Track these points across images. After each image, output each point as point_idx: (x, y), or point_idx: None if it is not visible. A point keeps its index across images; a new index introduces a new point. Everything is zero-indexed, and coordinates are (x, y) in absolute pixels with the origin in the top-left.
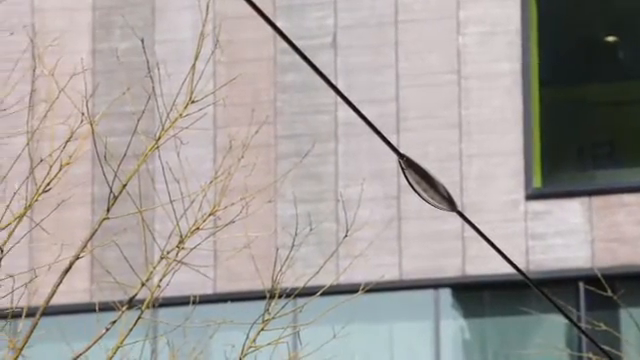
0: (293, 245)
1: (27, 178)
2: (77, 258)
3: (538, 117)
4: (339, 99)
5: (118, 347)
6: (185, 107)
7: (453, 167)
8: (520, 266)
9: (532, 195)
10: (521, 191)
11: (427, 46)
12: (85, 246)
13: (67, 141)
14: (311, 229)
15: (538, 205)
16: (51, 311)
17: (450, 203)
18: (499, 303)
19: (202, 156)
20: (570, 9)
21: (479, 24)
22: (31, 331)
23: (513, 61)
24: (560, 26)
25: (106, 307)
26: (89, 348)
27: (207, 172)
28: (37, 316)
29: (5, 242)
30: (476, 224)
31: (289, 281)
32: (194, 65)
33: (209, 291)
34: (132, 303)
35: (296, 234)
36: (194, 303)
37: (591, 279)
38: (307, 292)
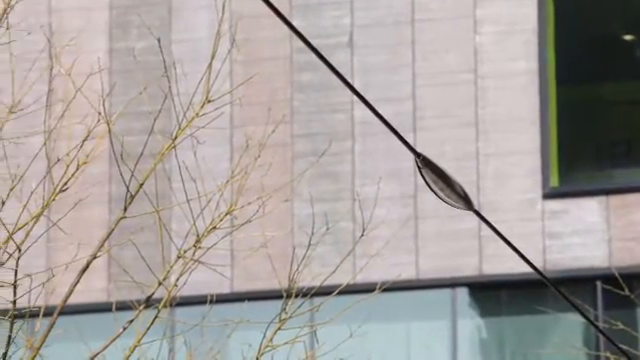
0: (310, 244)
1: (44, 177)
2: (94, 257)
3: (555, 116)
4: (356, 98)
5: (135, 346)
6: (202, 106)
7: (470, 166)
8: (537, 265)
9: (549, 194)
10: (538, 190)
11: (444, 45)
12: (102, 245)
13: (84, 140)
14: (328, 228)
15: (555, 204)
16: (68, 310)
17: (467, 202)
18: (516, 302)
19: (219, 155)
20: (587, 7)
21: (496, 23)
22: (49, 330)
23: (530, 60)
24: (577, 24)
25: (123, 306)
26: (106, 347)
27: (224, 171)
28: (55, 315)
29: (23, 242)
30: (493, 223)
31: (306, 280)
32: (210, 64)
33: (226, 290)
34: (149, 302)
35: (313, 233)
36: (211, 302)
37: (608, 278)
38: (324, 291)
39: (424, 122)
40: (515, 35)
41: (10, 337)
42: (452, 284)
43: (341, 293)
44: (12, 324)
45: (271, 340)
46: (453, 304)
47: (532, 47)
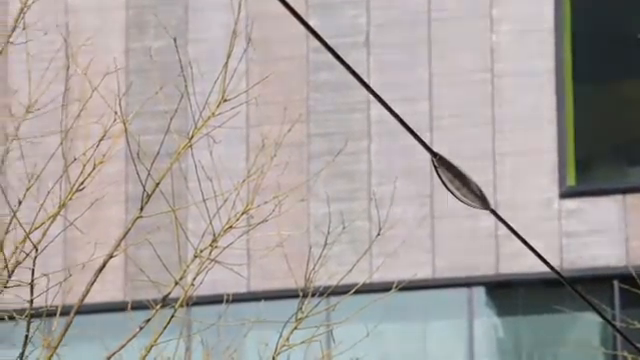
0: (326, 243)
1: (61, 177)
2: (111, 257)
3: (572, 115)
4: (372, 97)
5: (152, 346)
6: (218, 106)
7: (486, 165)
8: (554, 264)
9: (566, 193)
10: (555, 189)
11: (460, 44)
12: (119, 245)
13: (100, 140)
14: (344, 227)
15: (572, 203)
16: (85, 310)
17: (483, 201)
18: (533, 301)
19: (235, 155)
20: (603, 5)
21: (512, 22)
22: (65, 330)
23: (547, 59)
24: (594, 22)
25: (140, 306)
26: (123, 347)
27: (240, 171)
28: (71, 315)
29: (40, 241)
30: (509, 222)
31: (322, 280)
32: (226, 64)
33: (243, 290)
34: (166, 302)
35: (329, 232)
36: (227, 302)
37: (625, 277)
38: (340, 291)
39: (440, 121)
40: (532, 34)
41: (27, 336)
42: (469, 283)
43: (357, 292)
44: (29, 323)
45: (287, 339)
46: (470, 303)
47: (549, 46)
